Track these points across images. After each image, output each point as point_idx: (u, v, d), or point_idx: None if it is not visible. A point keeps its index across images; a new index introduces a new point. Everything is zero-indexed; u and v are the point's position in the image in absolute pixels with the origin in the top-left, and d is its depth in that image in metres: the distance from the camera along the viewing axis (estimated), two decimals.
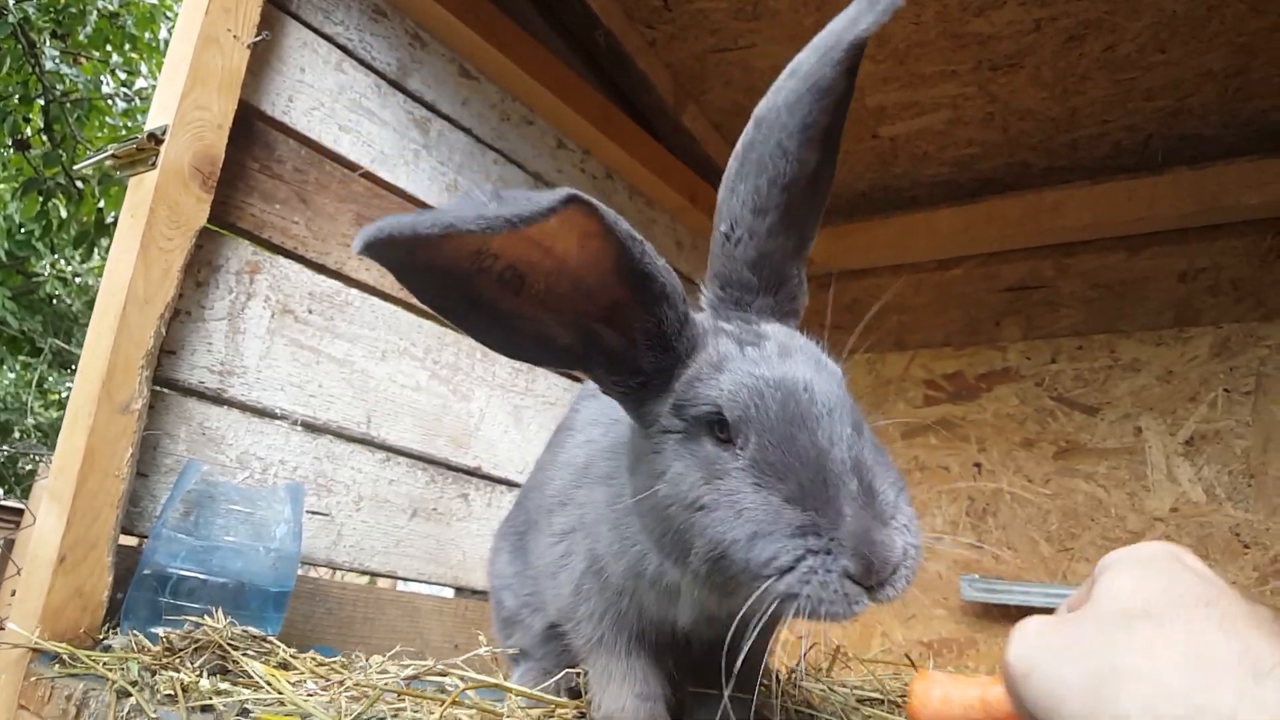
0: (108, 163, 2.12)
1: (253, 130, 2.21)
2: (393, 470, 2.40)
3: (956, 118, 3.18)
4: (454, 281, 1.08)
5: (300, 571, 2.25)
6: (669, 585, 1.27)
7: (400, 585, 3.00)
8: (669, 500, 1.15)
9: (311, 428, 2.24)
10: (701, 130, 3.47)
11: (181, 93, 2.00)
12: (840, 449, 1.08)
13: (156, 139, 2.00)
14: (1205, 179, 3.00)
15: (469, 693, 1.32)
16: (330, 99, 2.38)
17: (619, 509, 1.31)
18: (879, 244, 3.67)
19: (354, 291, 2.37)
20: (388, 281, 2.44)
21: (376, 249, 1.01)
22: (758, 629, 1.06)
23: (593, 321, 1.16)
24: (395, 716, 1.29)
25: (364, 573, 2.35)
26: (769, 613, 1.04)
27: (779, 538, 1.04)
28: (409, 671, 1.45)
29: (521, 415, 2.76)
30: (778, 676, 1.76)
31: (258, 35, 2.16)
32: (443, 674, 1.46)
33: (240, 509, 1.97)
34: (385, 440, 2.39)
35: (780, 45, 3.07)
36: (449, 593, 2.62)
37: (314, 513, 2.22)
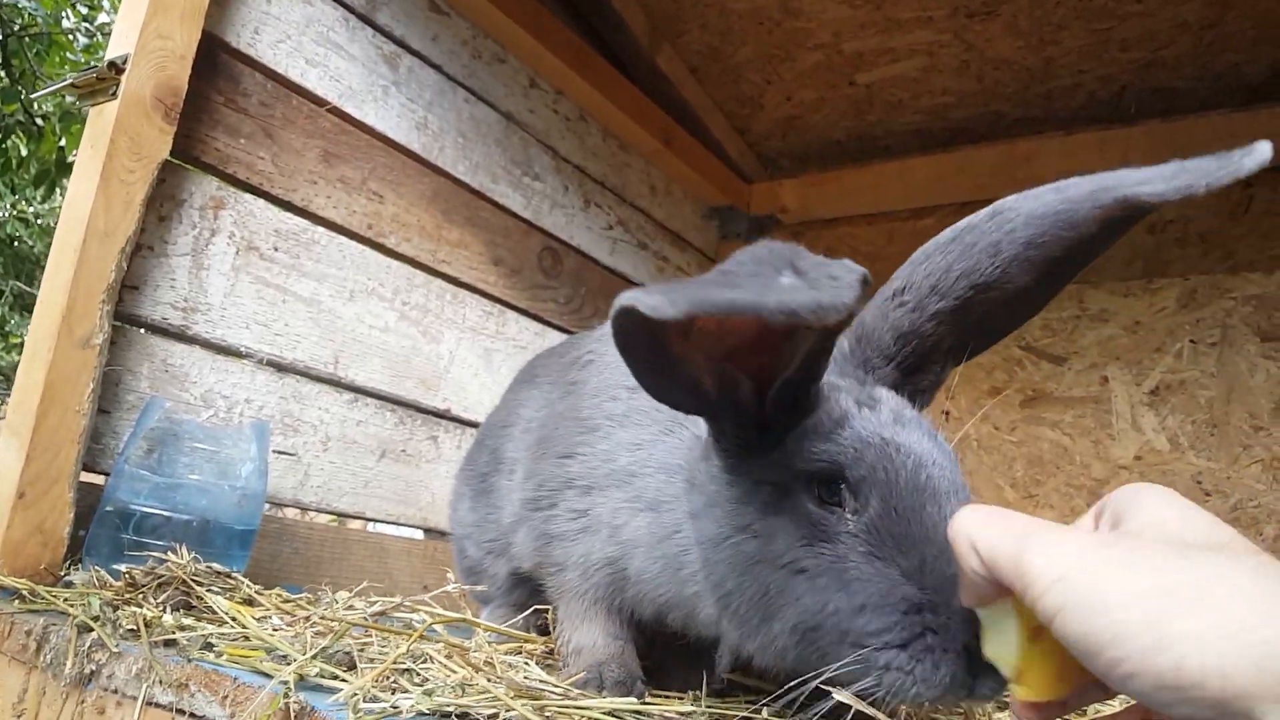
0: (67, 94, 2.06)
1: (217, 62, 2.15)
2: (361, 411, 2.39)
3: (932, 65, 3.15)
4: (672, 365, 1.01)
5: (267, 511, 2.24)
6: (712, 632, 1.19)
7: (372, 527, 2.99)
8: (757, 557, 1.07)
9: (277, 367, 2.21)
10: (677, 73, 3.43)
11: (143, 21, 1.94)
12: None
13: (117, 68, 1.94)
14: (1177, 131, 3.00)
15: (436, 628, 1.32)
16: (297, 32, 2.32)
17: (673, 549, 1.21)
18: (853, 193, 3.65)
19: (320, 230, 2.33)
20: (355, 220, 2.40)
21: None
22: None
23: (737, 371, 1.06)
24: (362, 651, 1.29)
25: (331, 513, 2.34)
26: (861, 685, 0.97)
27: (892, 612, 0.97)
28: (376, 607, 1.45)
29: (492, 358, 2.75)
30: None
31: None
32: (410, 610, 1.46)
33: (205, 447, 1.95)
34: (353, 381, 2.37)
35: None
36: (419, 534, 2.62)
37: (281, 452, 2.20)
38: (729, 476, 1.14)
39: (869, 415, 1.09)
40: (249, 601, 1.55)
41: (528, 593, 1.64)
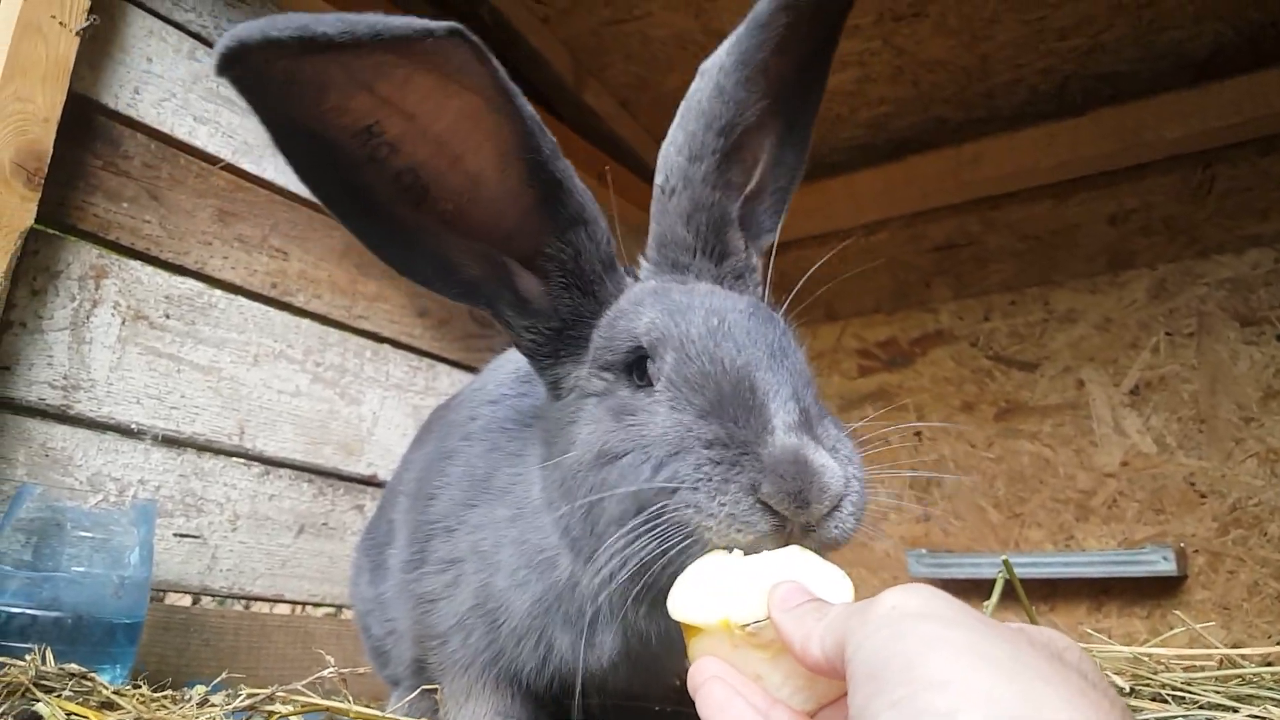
0: None
1: (93, 125, 2.03)
2: (273, 484, 2.21)
3: (865, 75, 3.03)
4: (342, 167, 0.98)
5: (172, 602, 2.06)
6: (585, 611, 1.08)
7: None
8: (576, 466, 1.00)
9: (174, 443, 2.04)
10: (606, 107, 3.30)
11: None
12: (774, 372, 0.94)
13: None
14: (1126, 116, 2.87)
15: None
16: (183, 89, 2.19)
17: (524, 523, 1.13)
18: (801, 213, 3.47)
19: (218, 293, 2.17)
20: (256, 280, 2.25)
21: (235, 61, 0.89)
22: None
23: (506, 256, 1.08)
24: None
25: (245, 598, 2.14)
26: (673, 546, 0.88)
27: (686, 455, 0.89)
28: (240, 701, 1.27)
29: (421, 416, 2.56)
30: None
31: (87, 21, 1.98)
32: (284, 701, 1.27)
33: (93, 535, 1.77)
34: (262, 452, 2.19)
35: (678, 13, 2.92)
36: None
37: (183, 535, 2.02)
38: (558, 402, 1.10)
39: (670, 292, 1.06)
40: (108, 705, 1.36)
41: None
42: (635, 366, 1.01)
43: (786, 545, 0.85)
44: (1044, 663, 0.56)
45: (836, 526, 0.87)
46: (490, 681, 1.20)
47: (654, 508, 0.89)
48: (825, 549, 0.87)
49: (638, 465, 0.93)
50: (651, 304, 1.04)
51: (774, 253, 1.41)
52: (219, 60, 0.88)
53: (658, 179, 1.17)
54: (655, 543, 0.88)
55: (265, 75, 0.91)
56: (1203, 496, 2.73)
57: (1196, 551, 2.69)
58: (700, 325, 0.98)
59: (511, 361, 1.41)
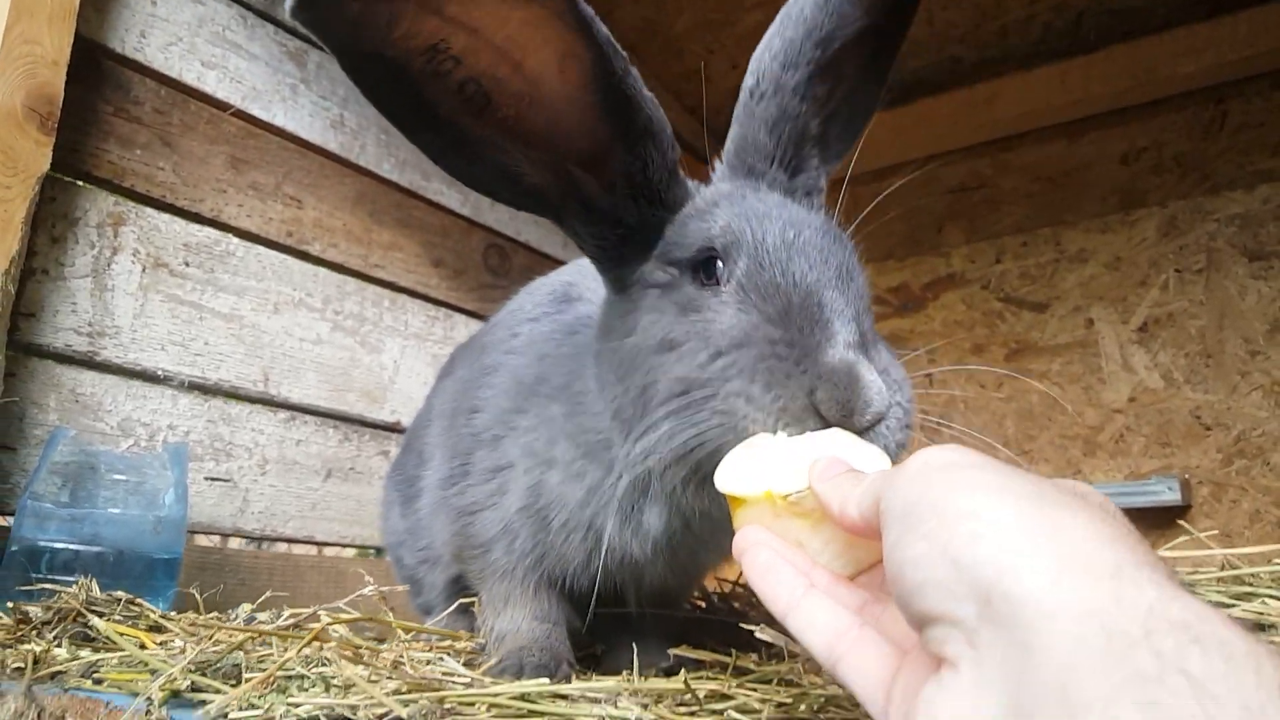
0: None
1: (101, 70, 2.02)
2: (299, 430, 2.23)
3: None
4: (407, 84, 0.99)
5: (209, 543, 2.10)
6: (636, 496, 1.12)
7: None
8: (635, 350, 1.04)
9: (201, 389, 2.06)
10: None
11: (5, 26, 1.81)
12: (841, 293, 0.97)
13: None
14: (1139, 52, 2.86)
15: (339, 630, 1.17)
16: (189, 33, 2.18)
17: (581, 415, 1.17)
18: None
19: (235, 240, 2.18)
20: (272, 228, 2.26)
21: (308, 5, 0.91)
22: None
23: (570, 164, 1.09)
24: (260, 663, 1.13)
25: (277, 539, 2.18)
26: (715, 432, 0.92)
27: (749, 348, 0.93)
28: (284, 619, 1.30)
29: (441, 365, 2.60)
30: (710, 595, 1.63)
31: None
32: (330, 618, 1.30)
33: (126, 478, 1.80)
34: (287, 398, 2.22)
35: None
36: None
37: (214, 479, 2.05)
38: (620, 295, 1.12)
39: (746, 197, 1.09)
40: (156, 628, 1.39)
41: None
42: (703, 266, 1.04)
43: None
44: (1067, 496, 0.59)
45: (882, 437, 0.91)
46: (531, 586, 1.24)
47: (706, 390, 0.93)
48: None
49: (696, 351, 0.96)
50: (727, 207, 1.06)
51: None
52: (292, 5, 0.89)
53: (747, 82, 1.18)
54: (695, 429, 0.92)
55: (340, 15, 0.92)
56: (1208, 429, 2.77)
57: (1200, 482, 2.73)
58: (776, 236, 1.00)
59: (545, 286, 1.44)
